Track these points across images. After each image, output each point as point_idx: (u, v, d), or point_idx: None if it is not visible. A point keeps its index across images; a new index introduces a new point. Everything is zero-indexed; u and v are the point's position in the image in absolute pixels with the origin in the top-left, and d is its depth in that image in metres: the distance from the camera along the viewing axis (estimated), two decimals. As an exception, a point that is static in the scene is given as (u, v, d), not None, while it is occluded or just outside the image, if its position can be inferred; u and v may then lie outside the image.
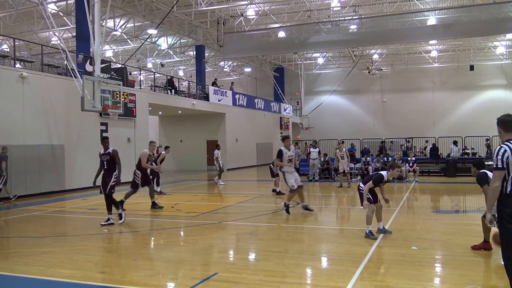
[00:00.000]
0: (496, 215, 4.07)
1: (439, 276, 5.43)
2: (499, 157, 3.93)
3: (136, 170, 10.56)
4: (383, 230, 7.45)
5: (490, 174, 6.42)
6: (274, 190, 13.94)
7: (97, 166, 8.89)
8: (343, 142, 18.10)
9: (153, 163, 13.61)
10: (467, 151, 23.28)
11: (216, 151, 17.53)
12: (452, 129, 29.50)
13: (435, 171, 20.40)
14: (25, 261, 6.19)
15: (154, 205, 10.88)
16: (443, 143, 24.40)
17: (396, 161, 18.60)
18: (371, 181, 7.35)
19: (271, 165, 14.93)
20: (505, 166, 3.92)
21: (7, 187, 12.67)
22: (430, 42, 29.31)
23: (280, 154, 9.56)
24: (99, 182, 8.69)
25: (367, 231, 7.14)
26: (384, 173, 7.47)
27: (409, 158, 18.94)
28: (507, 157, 3.92)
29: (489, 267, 5.62)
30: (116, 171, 8.65)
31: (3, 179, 12.41)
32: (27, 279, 5.40)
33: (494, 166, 3.97)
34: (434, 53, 32.18)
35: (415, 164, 18.40)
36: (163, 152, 14.55)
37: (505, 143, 4.02)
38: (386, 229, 7.54)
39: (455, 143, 21.46)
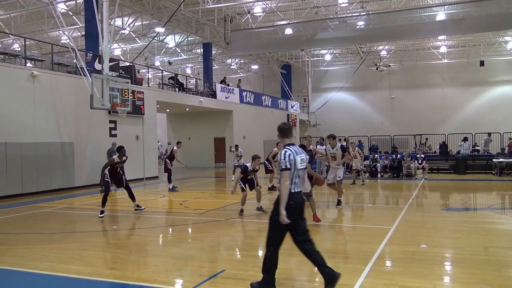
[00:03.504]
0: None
1: (449, 274, 5.38)
2: (286, 159, 4.43)
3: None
4: (260, 209, 9.60)
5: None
6: (273, 187, 14.03)
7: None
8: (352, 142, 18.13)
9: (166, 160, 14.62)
10: (477, 148, 23.01)
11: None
12: (462, 126, 29.18)
13: (445, 169, 20.22)
14: (36, 257, 6.26)
15: None
16: (453, 140, 24.17)
17: (404, 158, 18.53)
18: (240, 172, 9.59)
19: (265, 161, 14.85)
20: (290, 167, 4.42)
21: None
22: (439, 37, 28.98)
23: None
24: None
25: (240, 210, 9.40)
26: (248, 164, 9.55)
27: (418, 155, 18.79)
28: (292, 159, 4.44)
29: (500, 266, 5.55)
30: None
31: None
32: (38, 274, 5.47)
33: (283, 167, 4.42)
34: (443, 49, 31.80)
35: (424, 162, 18.25)
36: (175, 148, 14.84)
37: (289, 147, 4.55)
38: (262, 208, 9.59)
39: (465, 139, 21.23)
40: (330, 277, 4.37)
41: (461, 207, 11.26)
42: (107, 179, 9.65)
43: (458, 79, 33.30)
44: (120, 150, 9.80)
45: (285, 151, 4.49)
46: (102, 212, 9.51)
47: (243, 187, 9.67)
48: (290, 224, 4.33)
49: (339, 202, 10.27)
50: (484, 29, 22.69)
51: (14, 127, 13.33)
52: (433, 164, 19.95)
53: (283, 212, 4.32)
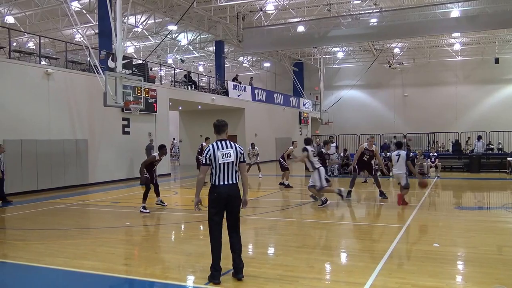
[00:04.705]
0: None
1: (462, 273, 5.33)
2: (204, 154, 4.89)
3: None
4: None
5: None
6: (281, 183, 14.20)
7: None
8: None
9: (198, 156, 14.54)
10: (492, 146, 22.64)
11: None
12: (475, 124, 28.74)
13: (458, 167, 19.96)
14: (51, 252, 6.39)
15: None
16: (466, 138, 23.79)
17: (417, 156, 18.33)
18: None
19: (281, 158, 14.91)
20: (208, 162, 4.85)
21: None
22: (453, 35, 28.54)
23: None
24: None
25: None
26: (323, 149, 11.15)
27: (431, 154, 18.58)
28: (210, 155, 4.84)
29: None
30: None
31: None
32: (53, 269, 5.59)
33: (201, 162, 4.93)
34: (457, 46, 31.34)
35: (437, 160, 18.04)
36: (203, 143, 14.99)
37: (212, 143, 4.94)
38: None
39: (479, 138, 20.90)
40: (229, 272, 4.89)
41: (475, 206, 11.13)
42: (146, 175, 9.83)
43: (472, 77, 32.78)
44: (162, 148, 9.98)
45: (207, 148, 4.94)
46: (144, 207, 9.64)
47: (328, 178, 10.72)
48: (221, 212, 4.88)
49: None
50: (499, 26, 22.28)
51: (29, 124, 13.55)
52: (446, 163, 19.69)
53: (196, 199, 5.01)
